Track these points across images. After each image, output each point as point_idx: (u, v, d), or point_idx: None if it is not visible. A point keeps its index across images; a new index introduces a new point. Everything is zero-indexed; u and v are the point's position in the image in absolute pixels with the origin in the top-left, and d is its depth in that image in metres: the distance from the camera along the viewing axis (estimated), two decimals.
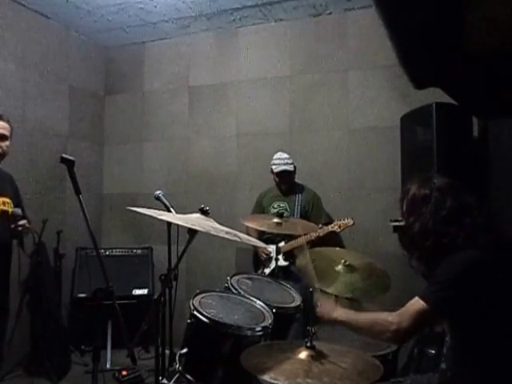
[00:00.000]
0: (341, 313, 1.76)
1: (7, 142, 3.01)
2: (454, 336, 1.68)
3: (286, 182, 3.72)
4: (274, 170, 3.71)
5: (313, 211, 3.69)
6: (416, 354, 2.79)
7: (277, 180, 3.75)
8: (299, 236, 3.43)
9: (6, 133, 3.01)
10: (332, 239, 3.55)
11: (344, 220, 3.43)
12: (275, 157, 3.73)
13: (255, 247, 3.73)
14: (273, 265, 3.51)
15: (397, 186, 3.55)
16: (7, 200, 3.01)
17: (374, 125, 3.95)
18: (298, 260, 2.84)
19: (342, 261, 2.66)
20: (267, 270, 3.62)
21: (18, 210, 2.94)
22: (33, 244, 3.26)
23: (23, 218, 2.97)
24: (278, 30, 4.28)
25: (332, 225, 3.44)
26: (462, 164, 3.01)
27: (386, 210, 3.72)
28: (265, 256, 3.64)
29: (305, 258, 2.47)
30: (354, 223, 3.42)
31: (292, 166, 3.68)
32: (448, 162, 2.97)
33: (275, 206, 3.73)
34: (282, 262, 3.54)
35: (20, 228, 2.90)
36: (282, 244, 3.58)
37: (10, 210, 2.96)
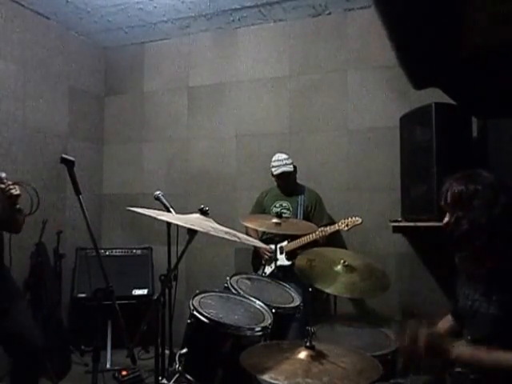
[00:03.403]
0: (465, 351, 1.56)
1: None
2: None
3: (287, 183, 3.67)
4: (274, 173, 3.64)
5: (315, 212, 3.65)
6: None
7: (278, 182, 3.71)
8: (303, 235, 3.40)
9: None
10: (335, 240, 3.53)
11: (352, 218, 3.31)
12: (274, 159, 3.67)
13: (255, 247, 3.68)
14: (274, 265, 3.46)
15: (396, 187, 3.56)
16: None
17: (373, 125, 3.94)
18: (297, 260, 2.83)
19: (342, 261, 2.68)
20: (268, 270, 3.57)
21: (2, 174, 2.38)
22: (31, 202, 2.50)
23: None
24: (278, 31, 4.28)
25: (339, 223, 3.34)
26: (462, 164, 2.98)
27: (385, 210, 3.72)
28: (268, 255, 3.57)
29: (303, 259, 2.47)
30: (362, 222, 3.30)
31: (291, 166, 3.62)
32: (447, 162, 2.97)
33: (277, 205, 3.68)
34: (284, 262, 3.49)
35: (11, 189, 2.33)
36: (284, 243, 3.55)
37: None
